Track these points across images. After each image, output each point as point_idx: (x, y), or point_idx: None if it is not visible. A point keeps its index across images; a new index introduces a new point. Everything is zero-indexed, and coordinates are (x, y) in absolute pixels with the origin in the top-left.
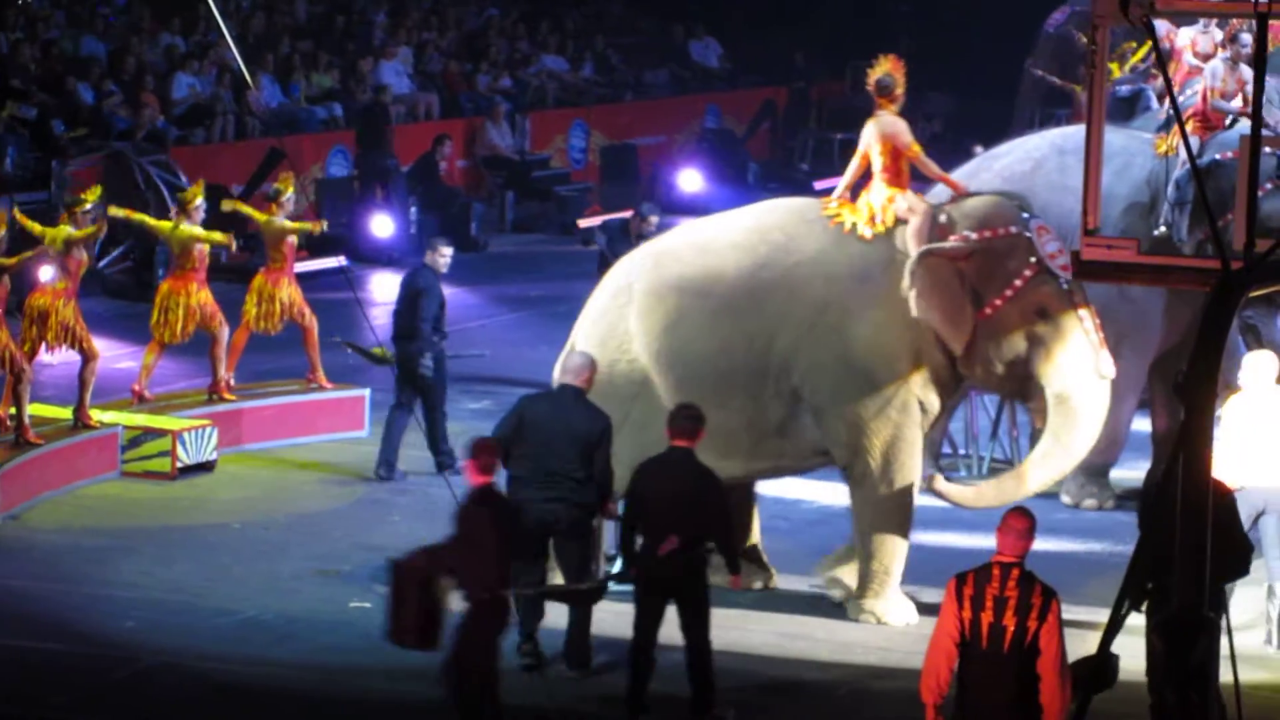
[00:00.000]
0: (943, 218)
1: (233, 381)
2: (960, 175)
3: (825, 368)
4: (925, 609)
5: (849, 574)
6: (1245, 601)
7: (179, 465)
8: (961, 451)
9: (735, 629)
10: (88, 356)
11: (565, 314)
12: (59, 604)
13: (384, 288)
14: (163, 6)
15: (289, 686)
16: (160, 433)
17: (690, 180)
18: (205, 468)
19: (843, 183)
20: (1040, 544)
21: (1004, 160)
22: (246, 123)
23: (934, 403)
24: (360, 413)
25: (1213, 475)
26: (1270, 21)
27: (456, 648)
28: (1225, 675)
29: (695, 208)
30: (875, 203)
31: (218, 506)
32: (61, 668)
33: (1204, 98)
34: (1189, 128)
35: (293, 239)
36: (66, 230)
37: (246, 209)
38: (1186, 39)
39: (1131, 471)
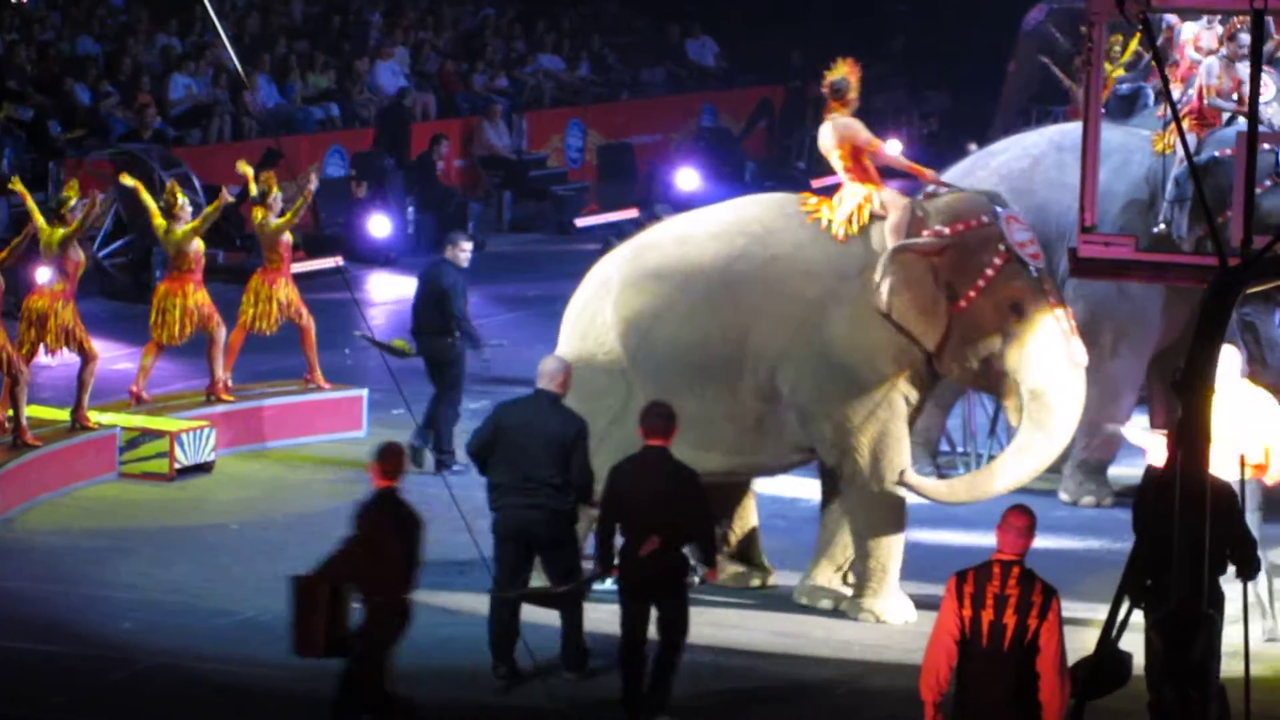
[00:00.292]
0: (918, 212)
1: (230, 382)
2: (957, 172)
3: (806, 367)
4: (925, 606)
5: (826, 579)
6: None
7: (177, 466)
8: (960, 449)
9: (734, 628)
10: (87, 358)
11: (563, 314)
12: (57, 605)
13: (381, 287)
14: (160, 7)
15: (287, 687)
16: (158, 434)
17: (687, 179)
18: (203, 469)
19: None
20: (1039, 541)
21: (1001, 157)
22: (243, 123)
23: (915, 397)
24: (358, 413)
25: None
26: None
27: (359, 652)
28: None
29: (692, 206)
30: (849, 202)
31: (216, 507)
32: (60, 669)
33: (1200, 95)
34: (1185, 125)
35: (288, 239)
36: (60, 231)
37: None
38: (1190, 33)
39: (1130, 469)
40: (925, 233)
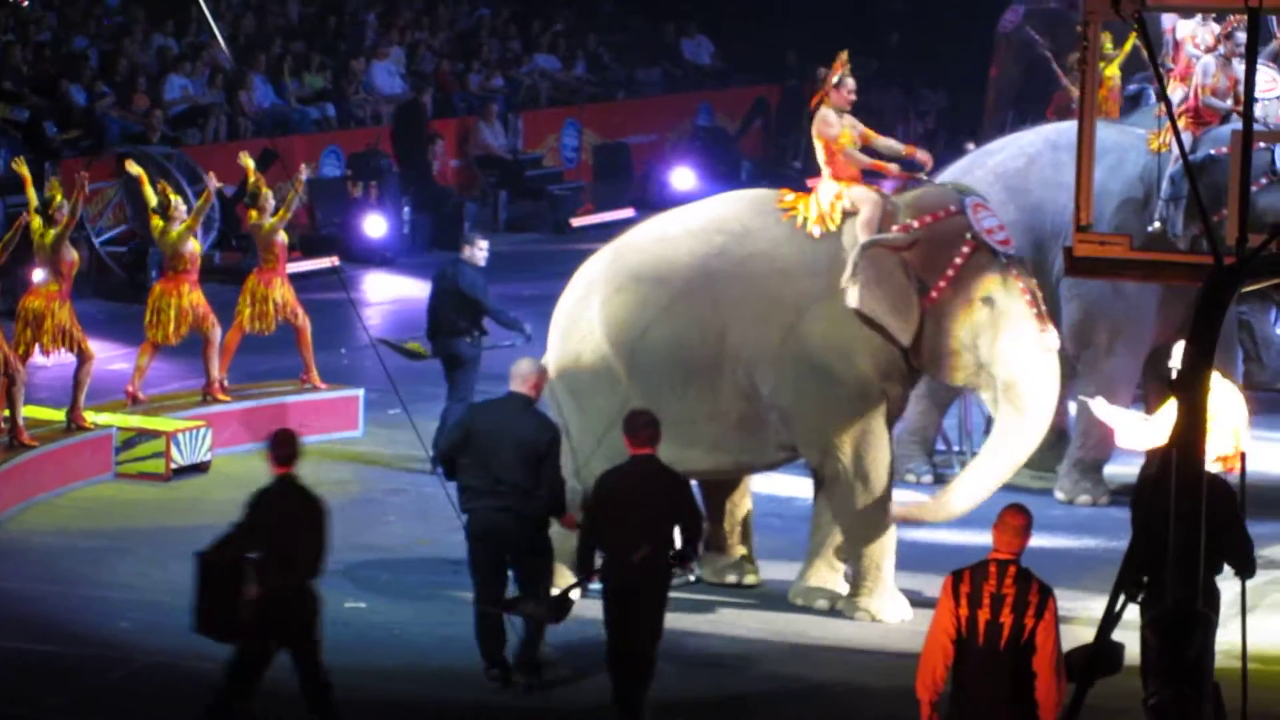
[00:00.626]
0: (888, 208)
1: (226, 382)
2: (954, 171)
3: (784, 367)
4: (921, 605)
5: (820, 579)
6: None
7: (173, 466)
8: (955, 449)
9: (731, 627)
10: (83, 358)
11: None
12: (54, 605)
13: (377, 288)
14: (156, 8)
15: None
16: (154, 434)
17: (683, 179)
18: (200, 469)
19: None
20: (1035, 540)
21: (998, 157)
22: (239, 123)
23: (896, 393)
24: (354, 413)
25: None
26: None
27: (255, 633)
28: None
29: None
30: (824, 198)
31: (212, 507)
32: (58, 669)
33: (1195, 94)
34: (1181, 124)
35: (283, 239)
36: (52, 231)
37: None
38: (1186, 31)
39: (1125, 467)
40: (894, 228)
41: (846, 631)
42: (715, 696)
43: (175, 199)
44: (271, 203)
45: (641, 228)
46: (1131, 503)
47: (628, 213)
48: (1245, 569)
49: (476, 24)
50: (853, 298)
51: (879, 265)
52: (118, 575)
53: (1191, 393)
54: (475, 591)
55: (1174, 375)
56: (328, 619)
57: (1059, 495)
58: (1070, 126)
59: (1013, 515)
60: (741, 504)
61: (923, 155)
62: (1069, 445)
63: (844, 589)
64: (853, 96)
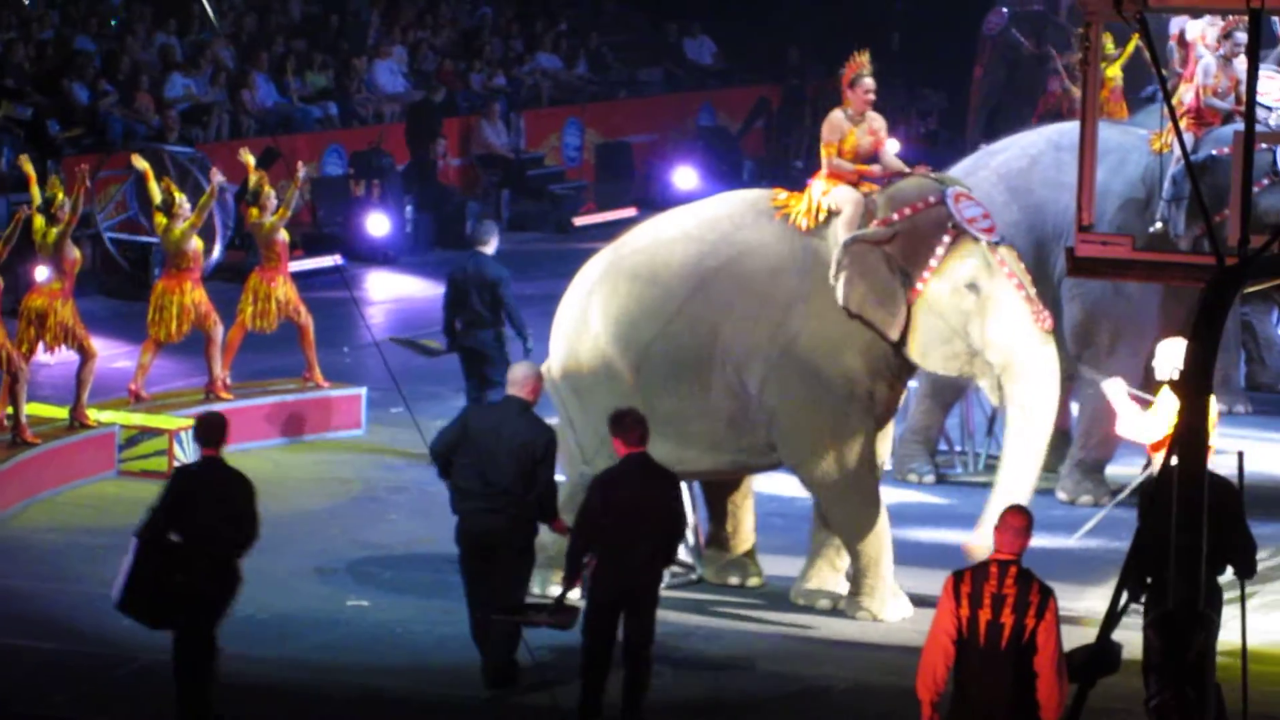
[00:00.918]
0: (870, 206)
1: (229, 380)
2: (958, 171)
3: (772, 364)
4: (923, 604)
5: (820, 580)
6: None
7: (176, 464)
8: (958, 448)
9: (732, 627)
10: (86, 356)
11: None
12: (57, 603)
13: (379, 287)
14: (159, 6)
15: (286, 684)
16: (157, 432)
17: (685, 178)
18: None
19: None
20: (1036, 540)
21: (1001, 157)
22: (241, 122)
23: (885, 391)
24: (357, 411)
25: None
26: None
27: (184, 614)
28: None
29: None
30: (814, 197)
31: None
32: (61, 666)
33: (1197, 95)
34: (1183, 124)
35: (284, 237)
36: (54, 230)
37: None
38: (1195, 32)
39: (1127, 468)
40: (875, 223)
41: (849, 631)
42: (717, 696)
43: (180, 197)
44: (273, 201)
45: (639, 229)
46: (1138, 504)
47: (630, 212)
48: (1246, 569)
49: (479, 23)
50: (838, 295)
51: (862, 261)
52: None
53: (1194, 393)
54: (466, 594)
55: (1158, 375)
56: (329, 617)
57: (1061, 496)
58: (1072, 127)
59: (1014, 516)
60: (744, 504)
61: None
62: (1071, 446)
63: (845, 589)
64: (870, 96)
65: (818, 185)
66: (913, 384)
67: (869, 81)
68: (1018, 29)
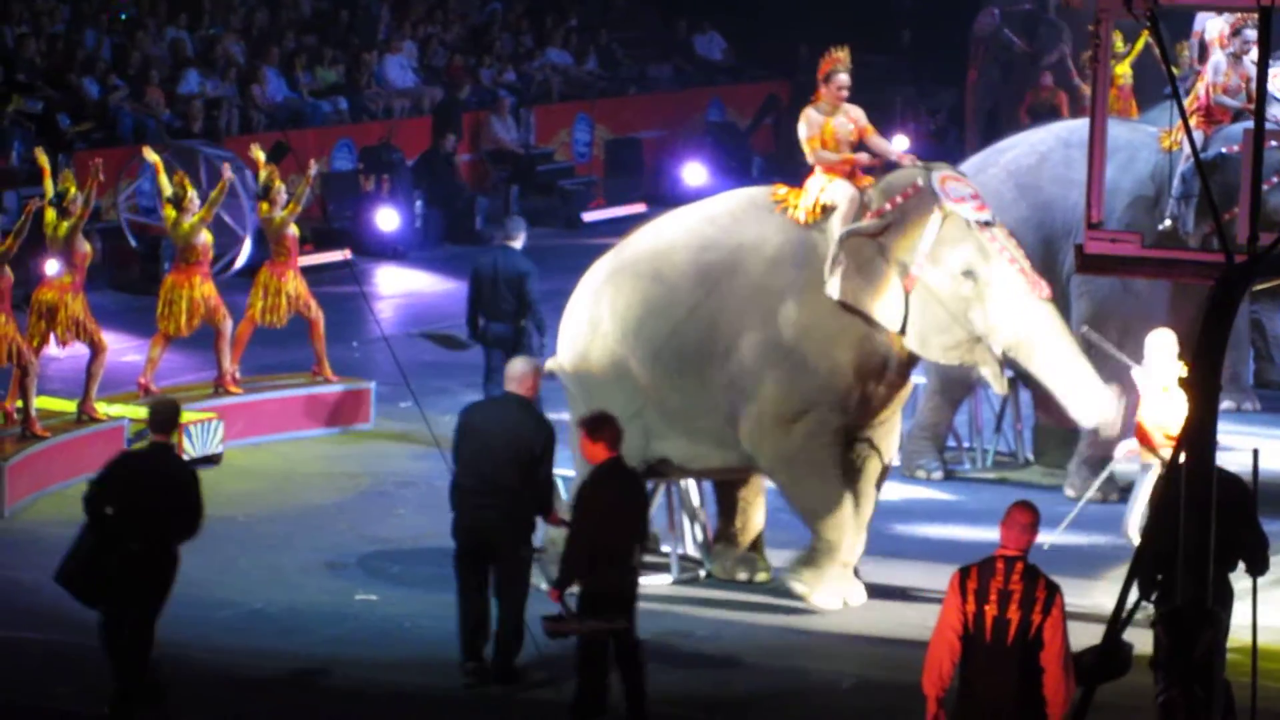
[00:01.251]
0: (864, 200)
1: (239, 374)
2: (968, 169)
3: (760, 354)
4: (929, 600)
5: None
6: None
7: (184, 458)
8: (966, 445)
9: (738, 622)
10: (97, 350)
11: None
12: (65, 596)
13: (389, 281)
14: (170, 1)
15: (294, 678)
16: None
17: (694, 174)
18: (211, 460)
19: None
20: (1043, 536)
21: (1010, 154)
22: (251, 117)
23: (876, 391)
24: (366, 406)
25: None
26: None
27: (115, 596)
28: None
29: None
30: (810, 194)
31: (223, 499)
32: (67, 659)
33: (1207, 93)
34: (1193, 122)
35: (294, 232)
36: (65, 224)
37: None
38: (1215, 31)
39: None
40: (869, 216)
41: (856, 626)
42: (724, 692)
43: (191, 191)
44: (284, 196)
45: (643, 229)
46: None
47: (639, 208)
48: (1259, 566)
49: (489, 18)
50: (834, 289)
51: (858, 254)
52: None
53: (1202, 390)
54: (458, 588)
55: (1146, 365)
56: (338, 611)
57: (1068, 492)
58: (1081, 124)
59: (1020, 512)
60: (755, 500)
61: (907, 160)
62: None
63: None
64: (844, 92)
65: (816, 180)
66: (921, 380)
67: (843, 78)
68: (1009, 29)
